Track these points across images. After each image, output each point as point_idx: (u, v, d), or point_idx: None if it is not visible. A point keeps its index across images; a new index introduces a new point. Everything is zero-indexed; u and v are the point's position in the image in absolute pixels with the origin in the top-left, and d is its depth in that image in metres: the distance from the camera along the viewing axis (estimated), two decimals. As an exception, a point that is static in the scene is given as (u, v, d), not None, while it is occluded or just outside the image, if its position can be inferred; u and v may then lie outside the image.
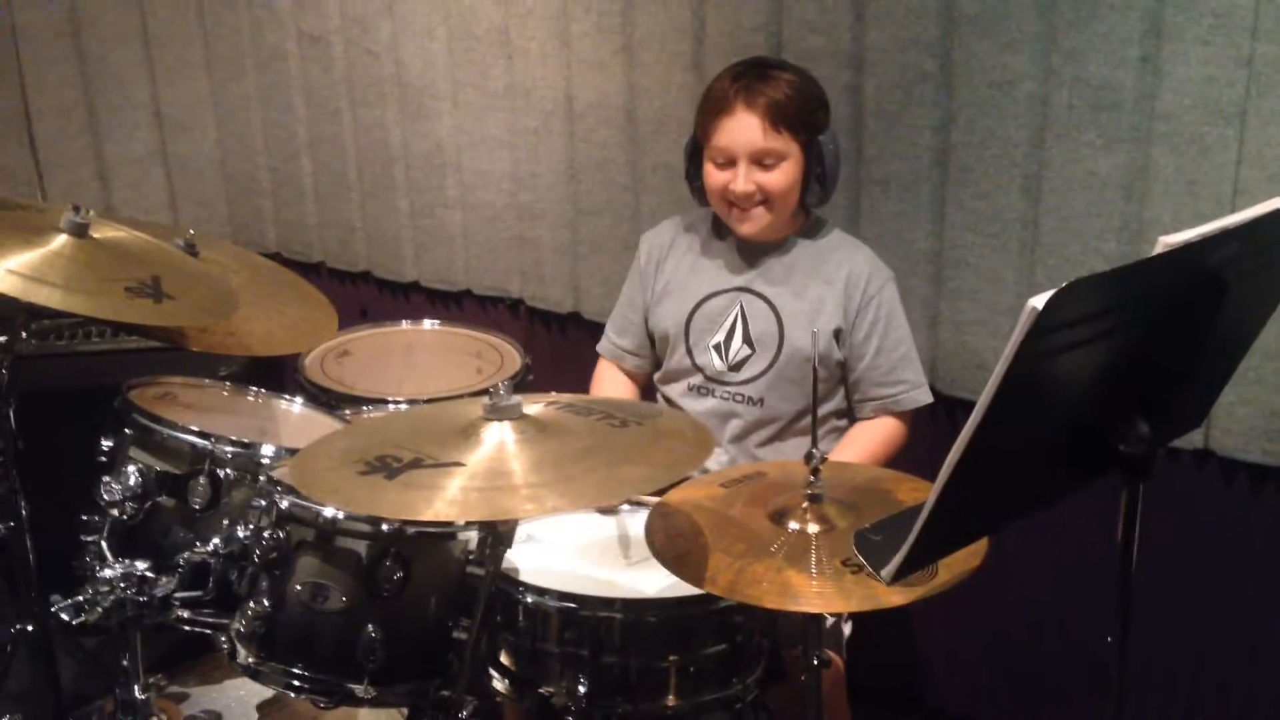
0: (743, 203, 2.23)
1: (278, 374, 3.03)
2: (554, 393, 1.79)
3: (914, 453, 2.31)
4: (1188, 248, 1.27)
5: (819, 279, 2.28)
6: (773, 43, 2.54)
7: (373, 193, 3.33)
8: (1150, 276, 1.30)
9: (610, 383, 2.50)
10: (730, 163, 2.21)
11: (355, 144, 3.32)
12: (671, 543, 1.64)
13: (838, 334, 2.26)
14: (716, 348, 2.31)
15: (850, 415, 2.35)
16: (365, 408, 2.42)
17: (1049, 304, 1.12)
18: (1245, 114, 2.07)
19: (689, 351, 2.33)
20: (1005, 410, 1.19)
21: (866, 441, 2.28)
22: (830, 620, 2.13)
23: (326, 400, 2.45)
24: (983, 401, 1.19)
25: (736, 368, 2.30)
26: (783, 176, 2.21)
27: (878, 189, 2.49)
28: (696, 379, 2.34)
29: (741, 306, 2.30)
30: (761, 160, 2.20)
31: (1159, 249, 1.30)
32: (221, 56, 3.52)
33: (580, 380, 2.59)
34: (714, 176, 2.25)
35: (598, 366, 2.54)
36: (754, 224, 2.25)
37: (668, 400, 2.41)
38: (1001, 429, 1.22)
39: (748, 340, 2.29)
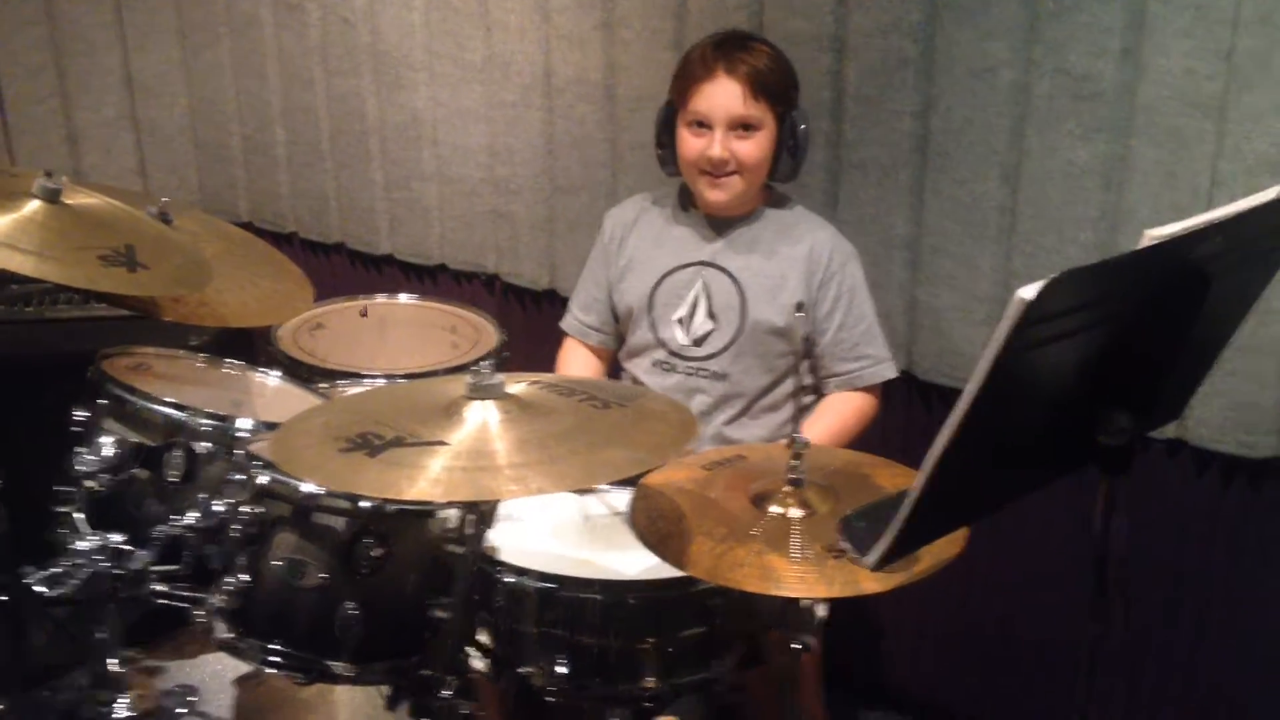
0: (716, 169, 2.24)
1: (247, 345, 3.00)
2: (536, 372, 1.78)
3: (888, 437, 2.32)
4: (1174, 241, 1.28)
5: (782, 253, 2.30)
6: (754, 23, 2.53)
7: (347, 164, 3.30)
8: (1137, 269, 1.31)
9: (576, 360, 2.50)
10: (707, 128, 2.22)
11: (329, 114, 3.29)
12: (653, 524, 1.64)
13: (800, 308, 2.27)
14: (680, 321, 2.32)
15: (817, 391, 2.36)
16: (339, 381, 2.41)
17: (1039, 295, 1.13)
18: (1224, 107, 2.08)
19: (652, 326, 2.34)
20: (991, 400, 1.20)
21: (835, 415, 2.29)
22: (806, 604, 2.15)
23: (300, 373, 2.43)
24: (969, 391, 1.19)
25: (699, 342, 2.31)
26: (757, 146, 2.23)
27: (857, 173, 2.49)
28: (660, 354, 2.34)
29: (704, 280, 2.31)
30: (738, 127, 2.21)
31: (1145, 242, 1.31)
32: (194, 22, 3.47)
33: (556, 357, 2.58)
34: (689, 143, 2.26)
35: (564, 344, 2.54)
36: (725, 192, 2.26)
37: (631, 378, 2.41)
38: (987, 419, 1.22)
39: (711, 314, 2.30)
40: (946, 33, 2.32)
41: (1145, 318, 1.36)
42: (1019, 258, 2.33)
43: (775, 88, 2.22)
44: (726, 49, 2.22)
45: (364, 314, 2.79)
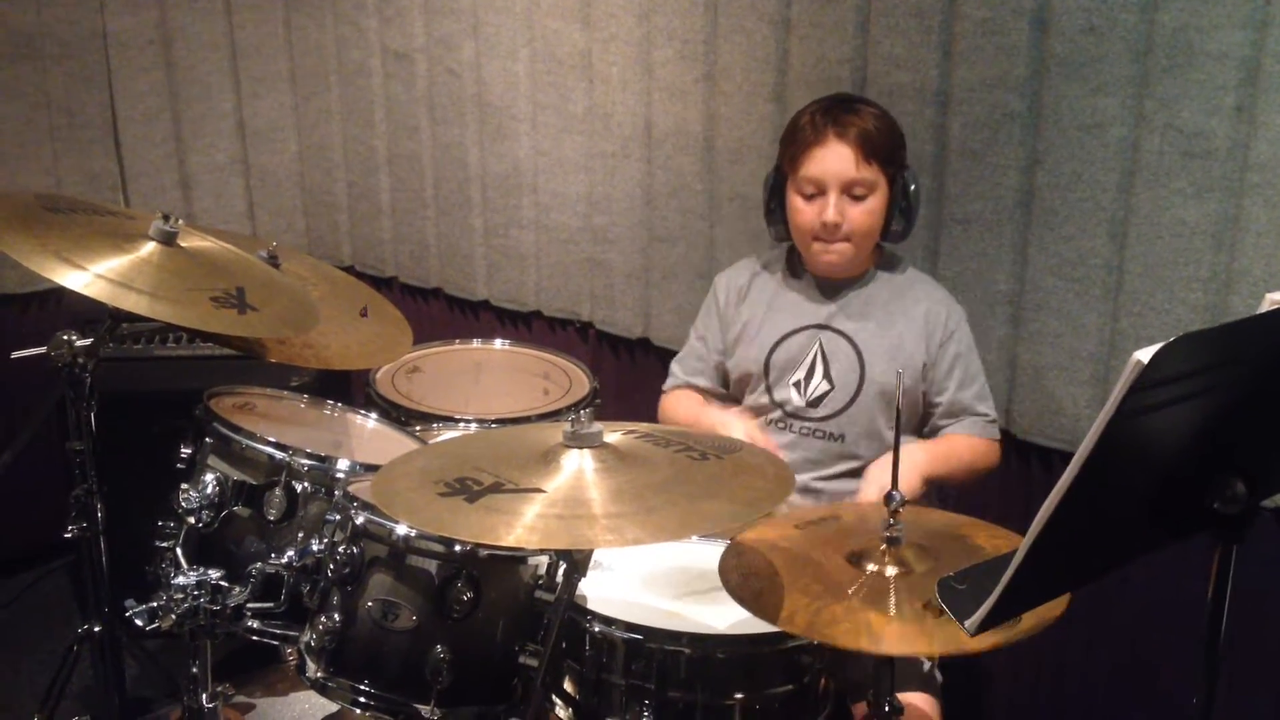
0: (830, 234, 2.22)
1: (346, 386, 3.05)
2: (632, 422, 1.78)
3: (986, 498, 2.27)
4: (1298, 306, 1.24)
5: (898, 314, 2.28)
6: (857, 77, 2.53)
7: (448, 210, 3.35)
8: (1257, 334, 1.27)
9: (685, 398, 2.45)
10: (820, 193, 2.22)
11: (433, 161, 3.35)
12: (746, 581, 1.62)
13: (920, 368, 2.25)
14: (796, 385, 2.31)
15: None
16: (435, 424, 2.44)
17: (1155, 358, 1.10)
18: (1343, 168, 2.03)
19: (768, 389, 2.33)
20: (1102, 465, 1.17)
21: (965, 443, 2.26)
22: (927, 665, 2.11)
23: (396, 415, 2.46)
24: (1079, 455, 1.16)
25: (815, 403, 2.29)
26: (870, 212, 2.22)
27: (959, 228, 2.46)
28: (775, 414, 2.33)
29: (821, 344, 2.30)
30: (851, 190, 2.20)
31: (1265, 305, 1.27)
32: (306, 70, 3.57)
33: (647, 406, 2.57)
34: (802, 211, 2.25)
35: (675, 397, 2.47)
36: (837, 257, 2.25)
37: None
38: (1097, 484, 1.19)
39: (828, 376, 2.28)
40: (1054, 87, 2.29)
41: (1263, 382, 1.31)
42: (1126, 317, 2.27)
43: (885, 149, 2.21)
44: (835, 112, 2.21)
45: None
